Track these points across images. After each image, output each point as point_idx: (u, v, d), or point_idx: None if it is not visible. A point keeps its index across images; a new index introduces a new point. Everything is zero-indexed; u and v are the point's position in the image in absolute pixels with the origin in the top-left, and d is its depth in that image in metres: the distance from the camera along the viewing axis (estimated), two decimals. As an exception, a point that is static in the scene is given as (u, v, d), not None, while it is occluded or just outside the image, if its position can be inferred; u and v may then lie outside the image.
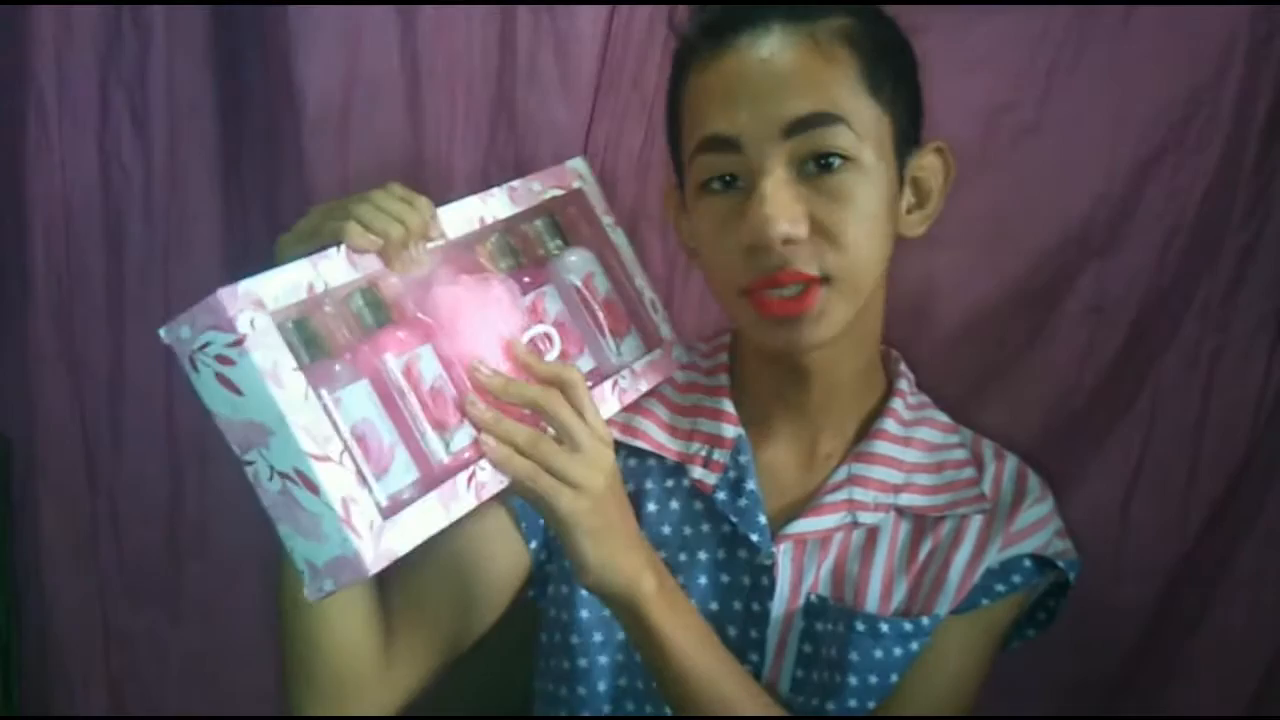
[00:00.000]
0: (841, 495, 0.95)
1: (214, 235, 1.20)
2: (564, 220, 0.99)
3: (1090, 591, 1.05)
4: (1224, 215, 1.12)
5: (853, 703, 0.92)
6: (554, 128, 1.16)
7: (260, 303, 0.73)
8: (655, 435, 1.00)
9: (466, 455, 0.83)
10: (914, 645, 0.92)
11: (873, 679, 0.91)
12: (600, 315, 0.97)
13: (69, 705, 1.26)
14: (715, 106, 0.87)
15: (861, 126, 0.85)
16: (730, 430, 0.97)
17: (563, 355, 0.92)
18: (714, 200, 0.89)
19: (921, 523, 0.95)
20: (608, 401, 0.93)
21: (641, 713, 0.96)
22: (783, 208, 0.84)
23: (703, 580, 0.96)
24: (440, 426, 0.82)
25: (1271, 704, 1.12)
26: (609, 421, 0.95)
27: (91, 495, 1.24)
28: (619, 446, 1.00)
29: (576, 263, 0.97)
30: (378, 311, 0.82)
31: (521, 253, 0.96)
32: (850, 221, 0.85)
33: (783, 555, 0.94)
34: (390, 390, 0.81)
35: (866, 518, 0.94)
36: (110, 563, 1.25)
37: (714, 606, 0.96)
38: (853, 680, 0.91)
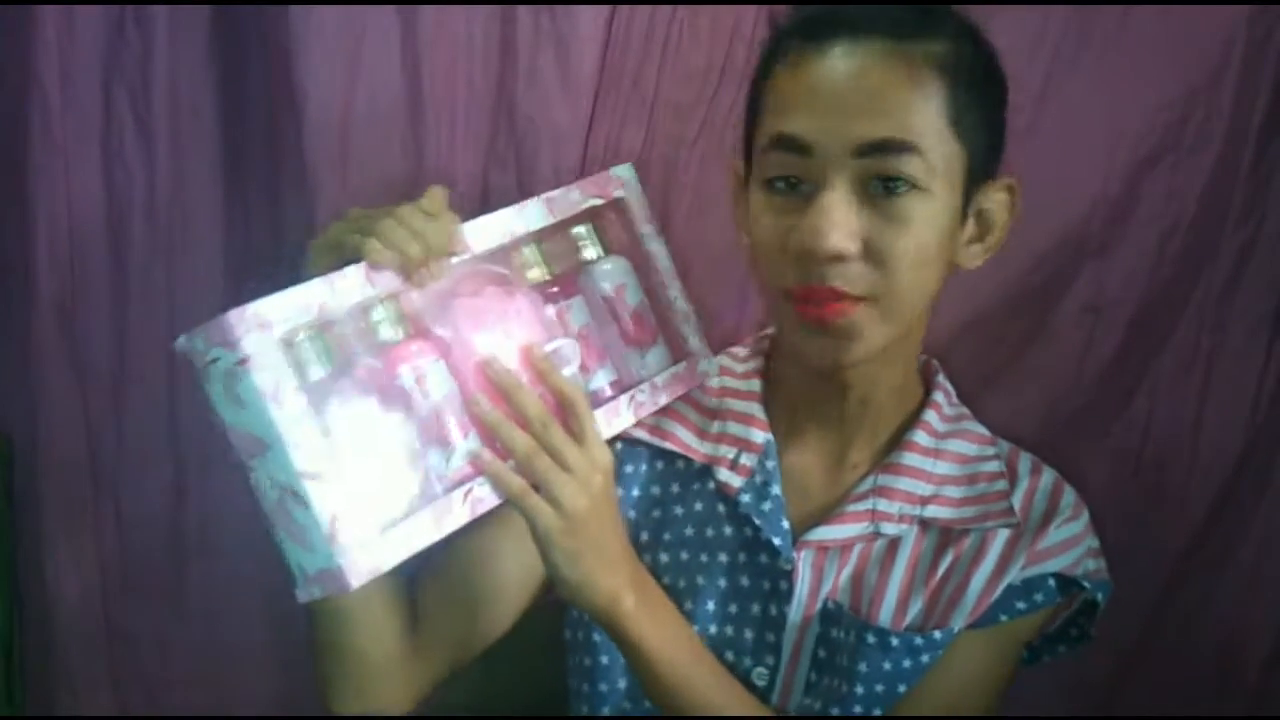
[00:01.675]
0: (865, 505, 0.94)
1: (216, 235, 1.21)
2: (603, 227, 1.00)
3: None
4: (1221, 215, 1.12)
5: (857, 709, 0.92)
6: (554, 128, 1.17)
7: (267, 324, 0.76)
8: (683, 437, 1.01)
9: (467, 471, 0.85)
10: (924, 658, 0.92)
11: (879, 689, 0.91)
12: (628, 326, 0.98)
13: (73, 705, 1.26)
14: (796, 106, 0.86)
15: (935, 157, 0.84)
16: (759, 435, 0.98)
17: (583, 368, 0.93)
18: (775, 198, 0.88)
19: (946, 535, 0.94)
20: (622, 415, 0.94)
21: (659, 710, 0.96)
22: (838, 223, 0.83)
23: (722, 582, 0.97)
24: (443, 443, 0.84)
25: (1271, 704, 1.12)
26: (639, 424, 0.96)
27: (95, 494, 1.24)
28: (647, 448, 1.01)
29: (609, 271, 0.98)
30: (396, 325, 0.85)
31: (555, 262, 0.96)
32: (904, 248, 0.84)
33: (803, 561, 0.94)
34: (397, 404, 0.84)
35: (889, 529, 0.94)
36: (113, 562, 1.25)
37: (733, 609, 0.96)
38: (859, 689, 0.91)
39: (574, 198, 0.96)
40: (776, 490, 0.95)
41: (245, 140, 1.19)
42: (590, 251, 0.97)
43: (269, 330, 0.76)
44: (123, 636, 1.27)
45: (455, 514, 0.83)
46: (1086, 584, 0.94)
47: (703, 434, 1.00)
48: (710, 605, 0.96)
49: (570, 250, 0.98)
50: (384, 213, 0.84)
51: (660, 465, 1.02)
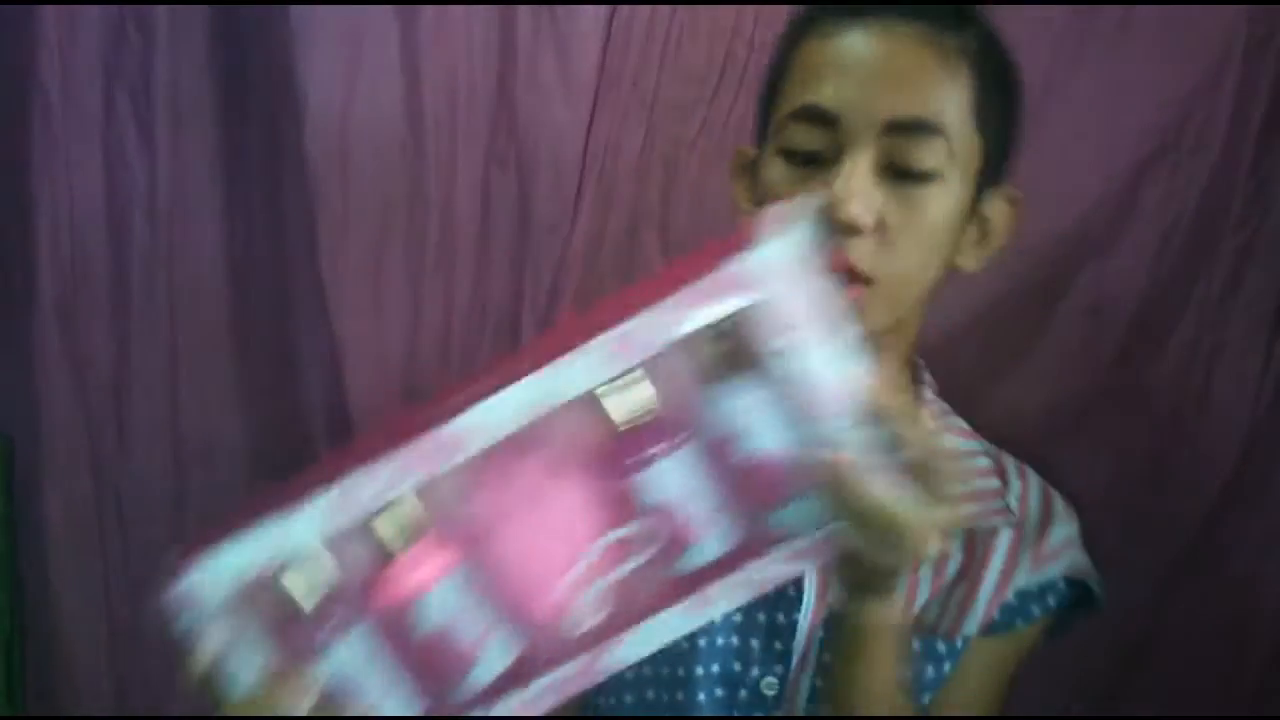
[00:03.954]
0: None
1: (217, 235, 1.21)
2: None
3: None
4: (1221, 215, 1.12)
5: None
6: (554, 128, 1.17)
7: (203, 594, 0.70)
8: None
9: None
10: (946, 666, 0.91)
11: None
12: (743, 481, 0.69)
13: (74, 704, 1.26)
14: (825, 76, 0.84)
15: (958, 147, 0.83)
16: None
17: (673, 544, 0.70)
18: (792, 170, 0.85)
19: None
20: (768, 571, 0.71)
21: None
22: (858, 192, 0.80)
23: None
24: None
25: (1271, 704, 1.12)
26: None
27: (96, 492, 1.24)
28: None
29: (728, 404, 0.67)
30: (400, 535, 0.70)
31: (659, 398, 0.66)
32: (915, 233, 0.83)
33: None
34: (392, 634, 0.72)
35: None
36: (115, 560, 1.26)
37: (737, 618, 0.95)
38: None
39: (668, 322, 0.63)
40: None
41: (245, 140, 1.19)
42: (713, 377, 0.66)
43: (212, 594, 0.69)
44: (124, 635, 1.27)
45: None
46: (1093, 585, 0.94)
47: None
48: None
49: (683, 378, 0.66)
50: None
51: None
